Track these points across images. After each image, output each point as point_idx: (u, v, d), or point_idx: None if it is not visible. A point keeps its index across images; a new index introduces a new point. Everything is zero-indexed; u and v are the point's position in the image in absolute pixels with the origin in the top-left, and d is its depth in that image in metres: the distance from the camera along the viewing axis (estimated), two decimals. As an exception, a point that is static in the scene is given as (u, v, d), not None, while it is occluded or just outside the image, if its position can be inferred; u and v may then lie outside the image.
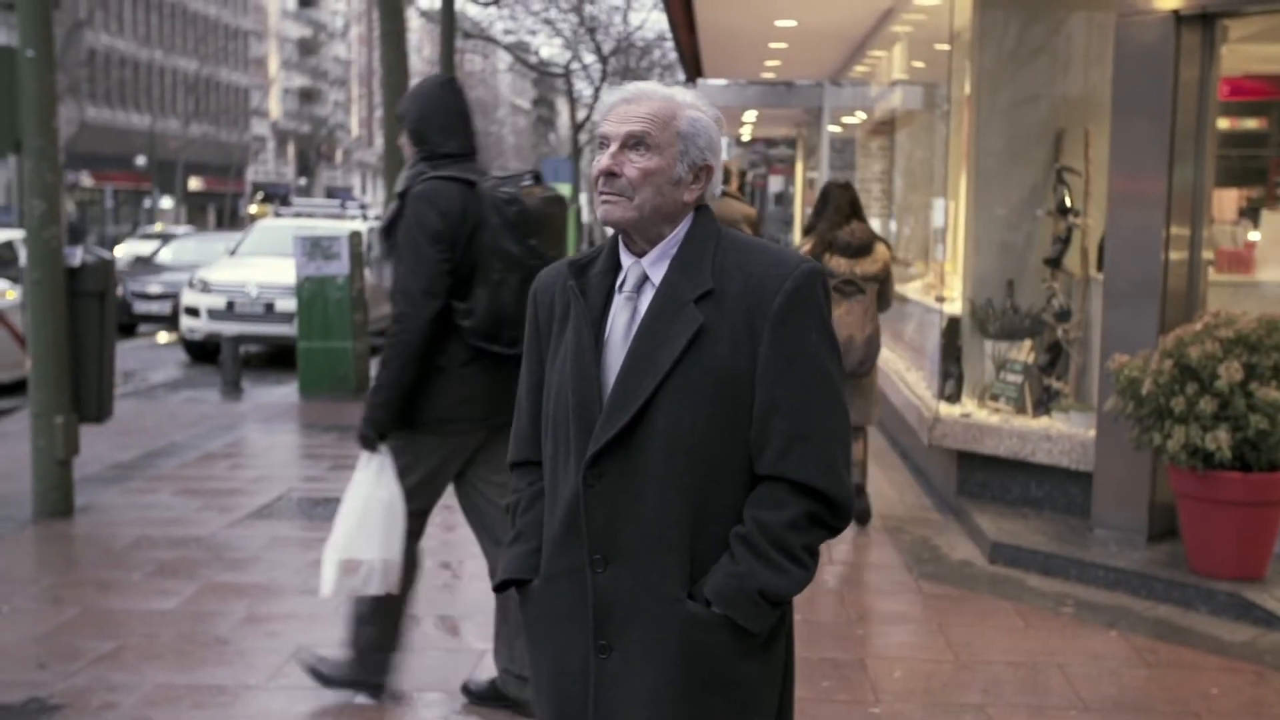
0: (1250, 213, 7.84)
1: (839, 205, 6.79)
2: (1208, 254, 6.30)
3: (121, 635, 4.97)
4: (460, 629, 5.12)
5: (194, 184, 56.97)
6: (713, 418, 2.06)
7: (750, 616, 2.05)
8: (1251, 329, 5.38)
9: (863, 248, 6.73)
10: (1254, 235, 7.07)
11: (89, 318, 7.07)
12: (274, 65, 71.61)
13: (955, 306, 7.89)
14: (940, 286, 8.34)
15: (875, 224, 12.70)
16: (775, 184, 33.12)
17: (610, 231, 2.18)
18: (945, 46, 8.35)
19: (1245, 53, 8.11)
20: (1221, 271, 6.98)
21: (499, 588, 2.27)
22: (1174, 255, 6.09)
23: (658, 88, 2.15)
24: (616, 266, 2.17)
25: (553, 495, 2.17)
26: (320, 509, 7.16)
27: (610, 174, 2.10)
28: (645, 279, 2.14)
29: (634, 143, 2.10)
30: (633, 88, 2.15)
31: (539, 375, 2.23)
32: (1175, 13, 5.93)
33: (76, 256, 7.09)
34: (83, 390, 7.07)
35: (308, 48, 77.64)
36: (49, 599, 5.50)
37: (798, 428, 2.07)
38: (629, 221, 2.11)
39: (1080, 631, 5.19)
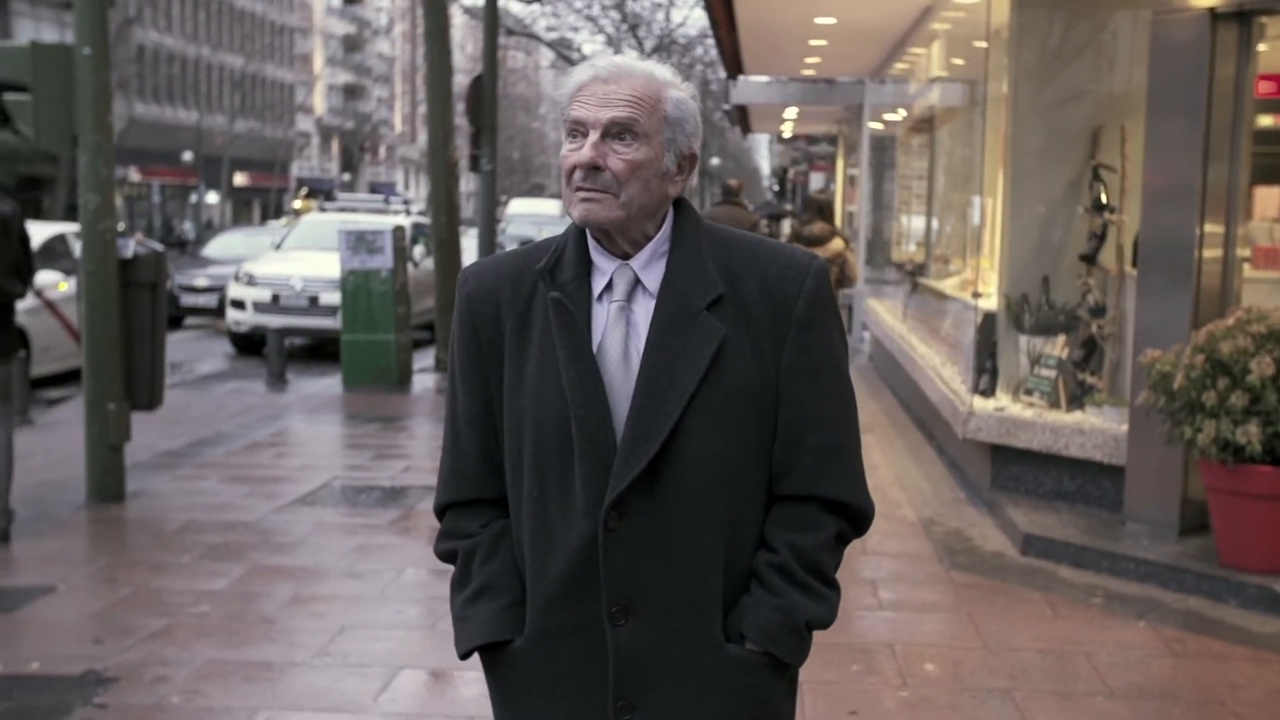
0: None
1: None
2: (1242, 251, 6.33)
3: (173, 613, 5.14)
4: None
5: (239, 179, 57.58)
6: (743, 439, 1.87)
7: (796, 651, 1.89)
8: (1282, 324, 5.42)
9: (820, 240, 8.82)
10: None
11: (141, 308, 7.26)
12: (319, 62, 72.22)
13: (991, 302, 7.95)
14: (976, 282, 8.40)
15: (916, 221, 12.76)
16: (816, 181, 33.09)
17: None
18: (983, 44, 8.40)
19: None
20: (1258, 268, 7.01)
21: (466, 654, 1.96)
22: (1208, 252, 6.14)
23: (634, 63, 1.89)
24: (589, 270, 1.91)
25: (542, 542, 1.89)
26: (364, 496, 7.34)
27: (592, 167, 1.84)
28: (637, 285, 1.90)
29: (618, 131, 1.84)
30: (606, 63, 1.89)
31: (484, 400, 1.94)
32: (1211, 10, 5.97)
33: (129, 249, 7.29)
34: (135, 379, 7.27)
35: (352, 44, 78.23)
36: (103, 579, 5.69)
37: (829, 442, 1.91)
38: (615, 221, 1.86)
39: (1109, 622, 5.26)
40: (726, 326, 1.86)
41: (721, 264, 1.90)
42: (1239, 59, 6.08)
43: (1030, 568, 6.02)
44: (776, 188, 39.56)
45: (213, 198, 54.36)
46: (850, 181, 21.81)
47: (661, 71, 1.89)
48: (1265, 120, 10.06)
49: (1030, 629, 5.15)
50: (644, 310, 1.89)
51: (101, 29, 6.98)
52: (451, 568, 1.99)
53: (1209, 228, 6.11)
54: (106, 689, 4.32)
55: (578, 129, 1.86)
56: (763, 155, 41.58)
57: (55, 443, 8.85)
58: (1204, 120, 6.02)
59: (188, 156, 50.70)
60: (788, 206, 33.42)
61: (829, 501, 1.91)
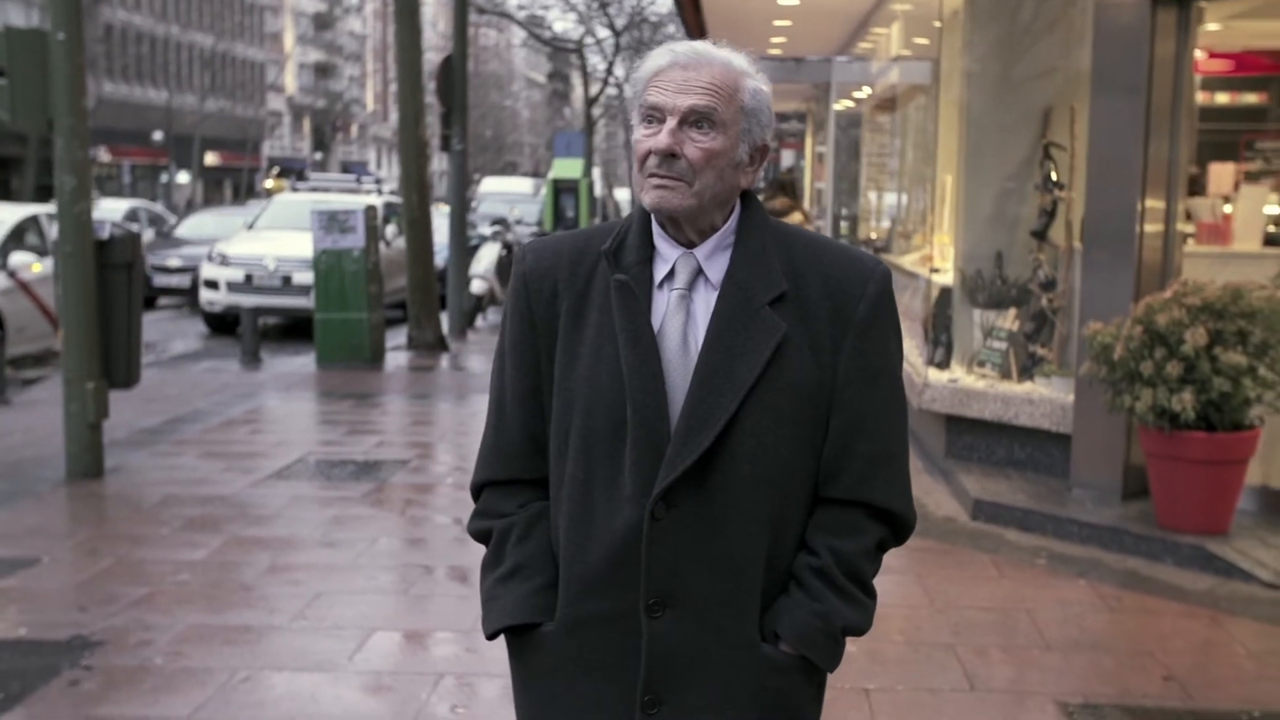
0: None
1: (772, 186, 9.83)
2: (1182, 226, 6.58)
3: (154, 582, 5.34)
4: (469, 577, 5.46)
5: (210, 159, 57.38)
6: (795, 439, 1.85)
7: (830, 656, 1.88)
8: (1217, 296, 5.68)
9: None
10: (1228, 208, 7.35)
11: (118, 288, 7.42)
12: (289, 40, 71.84)
13: (947, 277, 8.20)
14: (934, 258, 8.64)
15: (881, 198, 13.00)
16: (787, 158, 33.28)
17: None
18: (940, 25, 8.62)
19: (1244, 29, 8.37)
20: (1202, 243, 7.28)
21: (494, 634, 1.94)
22: (1149, 227, 6.39)
23: (714, 50, 1.86)
24: (651, 256, 1.90)
25: (583, 526, 1.86)
26: (337, 470, 7.53)
27: (668, 154, 1.82)
28: (699, 274, 1.88)
29: (696, 119, 1.81)
30: (686, 48, 1.86)
31: (534, 378, 1.93)
32: (1150, -5, 6.21)
33: (105, 230, 7.44)
34: (112, 357, 7.43)
35: (323, 22, 77.81)
36: (85, 551, 5.87)
37: (881, 450, 1.89)
38: (687, 210, 1.84)
39: (1051, 581, 5.52)
40: (787, 325, 1.84)
41: (785, 261, 1.88)
42: (1178, 41, 6.32)
43: (980, 531, 6.28)
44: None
45: (184, 177, 54.15)
46: (819, 159, 22.02)
47: (739, 60, 1.86)
48: (1221, 98, 10.39)
49: (976, 588, 5.41)
50: (704, 301, 1.87)
51: (74, 14, 7.12)
52: (481, 547, 1.99)
53: (1150, 203, 6.36)
54: (92, 652, 4.51)
55: (654, 114, 1.83)
56: (768, 131, 41.64)
57: (33, 421, 9.00)
58: (1144, 100, 6.27)
59: (158, 136, 50.50)
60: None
61: (875, 509, 1.89)
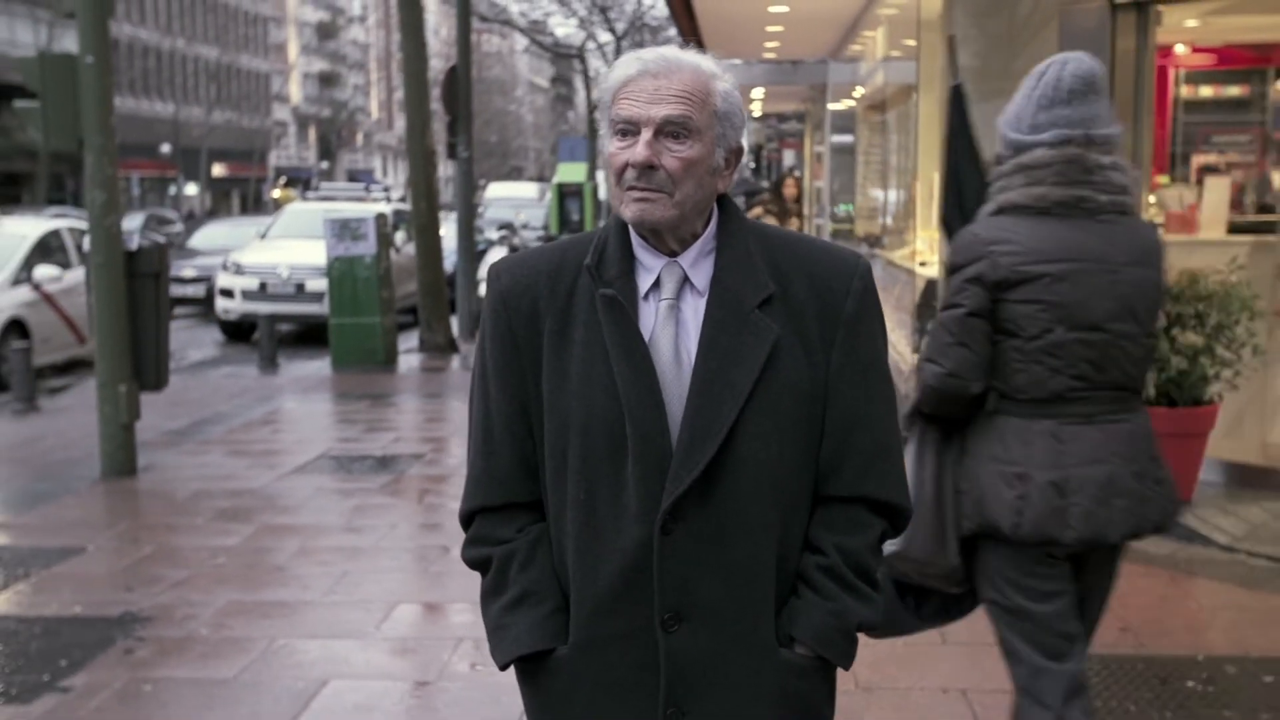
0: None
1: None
2: (1157, 217, 6.98)
3: (193, 565, 5.78)
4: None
5: (217, 170, 57.96)
6: (795, 441, 1.85)
7: (847, 654, 1.89)
8: (1175, 282, 6.07)
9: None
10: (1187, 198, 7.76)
11: (146, 296, 7.86)
12: (293, 50, 72.46)
13: (933, 270, 8.61)
14: (919, 253, 9.06)
15: (875, 196, 13.41)
16: (788, 158, 33.69)
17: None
18: (920, 27, 9.03)
19: (1225, 24, 8.77)
20: (1171, 232, 7.68)
21: (508, 664, 1.91)
22: (1115, 218, 6.79)
23: (682, 55, 1.84)
24: (633, 267, 1.87)
25: (590, 546, 1.84)
26: (356, 464, 7.97)
27: (647, 166, 1.79)
28: (685, 283, 1.87)
29: (672, 129, 1.79)
30: (653, 55, 1.83)
31: (521, 400, 1.89)
32: (1110, 1, 6.63)
33: (134, 241, 7.88)
34: (142, 361, 7.88)
35: (326, 32, 78.43)
36: (126, 539, 6.32)
37: (878, 443, 1.90)
38: (669, 221, 1.82)
39: (1025, 549, 5.92)
40: (778, 326, 1.83)
41: (769, 262, 1.87)
42: (1138, 41, 6.73)
43: (961, 507, 6.68)
44: (753, 164, 40.57)
45: (192, 189, 54.72)
46: (817, 159, 22.44)
47: (707, 63, 1.84)
48: (1205, 91, 10.79)
49: (954, 556, 5.82)
50: (693, 309, 1.85)
51: (104, 39, 7.57)
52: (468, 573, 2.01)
53: (1115, 196, 6.76)
54: (143, 626, 4.96)
55: (628, 127, 1.81)
56: (742, 133, 41.91)
57: (64, 425, 9.46)
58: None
59: (166, 148, 51.04)
60: (764, 184, 34.07)
61: (875, 502, 1.90)
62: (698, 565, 1.81)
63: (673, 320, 1.85)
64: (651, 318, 1.85)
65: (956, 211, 3.06)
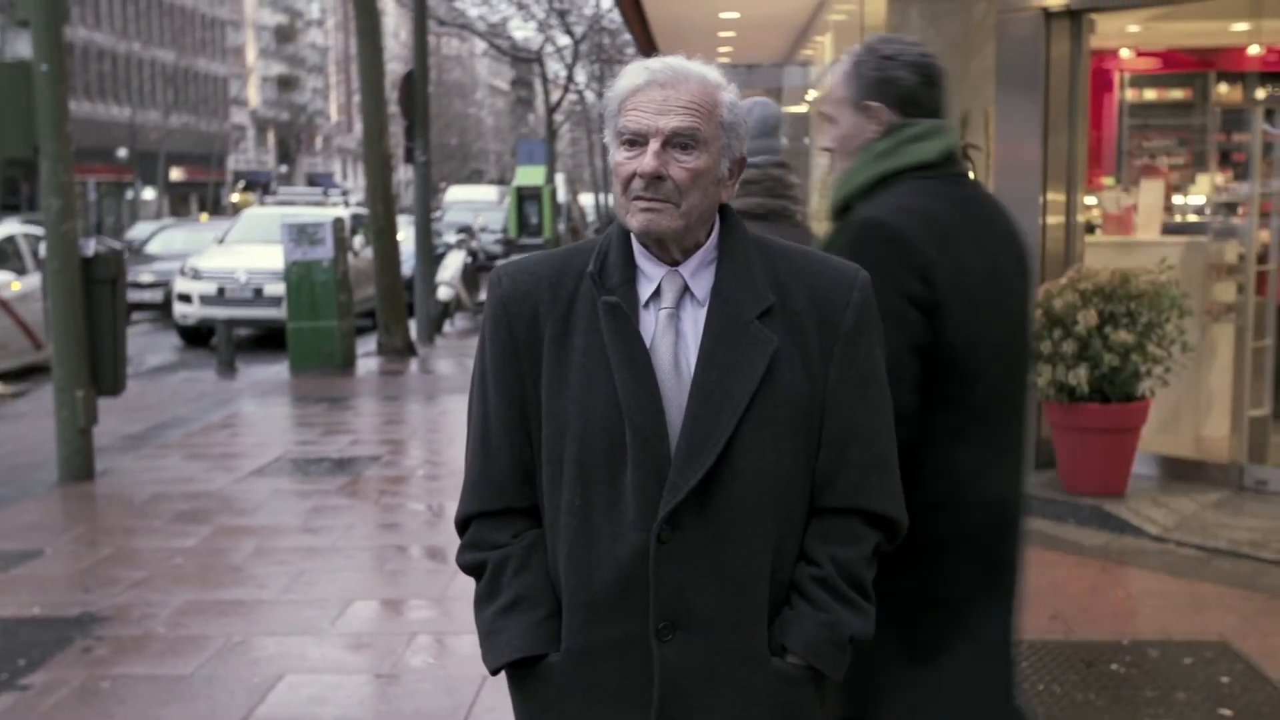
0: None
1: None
2: (1082, 217, 7.21)
3: (151, 566, 5.87)
4: (439, 555, 6.00)
5: (175, 174, 57.63)
6: (792, 452, 1.86)
7: (839, 665, 1.89)
8: (1107, 281, 6.29)
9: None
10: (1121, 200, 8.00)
11: (103, 302, 7.92)
12: (251, 54, 72.11)
13: (880, 271, 8.80)
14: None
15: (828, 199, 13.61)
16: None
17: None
18: (863, 35, 9.23)
19: (1167, 29, 9.02)
20: (1109, 233, 7.92)
21: (499, 669, 1.91)
22: (1051, 219, 7.01)
23: (689, 65, 1.86)
24: (634, 276, 1.89)
25: (585, 554, 1.85)
26: (314, 466, 8.07)
27: (655, 177, 1.81)
28: (685, 292, 1.88)
29: (680, 140, 1.81)
30: (661, 65, 1.85)
31: (520, 404, 1.90)
32: (1045, 10, 6.84)
33: (90, 247, 7.95)
34: (99, 366, 7.94)
35: (284, 35, 78.08)
36: (84, 542, 6.40)
37: (875, 456, 1.91)
38: (675, 231, 1.84)
39: (964, 541, 6.11)
40: (777, 337, 1.85)
41: (769, 273, 1.89)
42: (1072, 48, 6.96)
43: (905, 501, 6.87)
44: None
45: (149, 193, 54.38)
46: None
47: (713, 74, 1.86)
48: (1149, 94, 11.05)
49: (896, 549, 6.00)
50: (692, 318, 1.87)
51: (58, 46, 7.63)
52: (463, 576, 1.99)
53: (1051, 196, 7.00)
54: (101, 625, 5.05)
55: (636, 138, 1.83)
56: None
57: (21, 431, 9.50)
58: (1043, 101, 6.90)
59: (122, 153, 50.71)
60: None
61: (870, 515, 1.91)
62: (693, 574, 1.82)
63: (672, 329, 1.86)
64: (652, 326, 1.87)
65: None
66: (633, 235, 1.89)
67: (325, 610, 5.21)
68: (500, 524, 1.92)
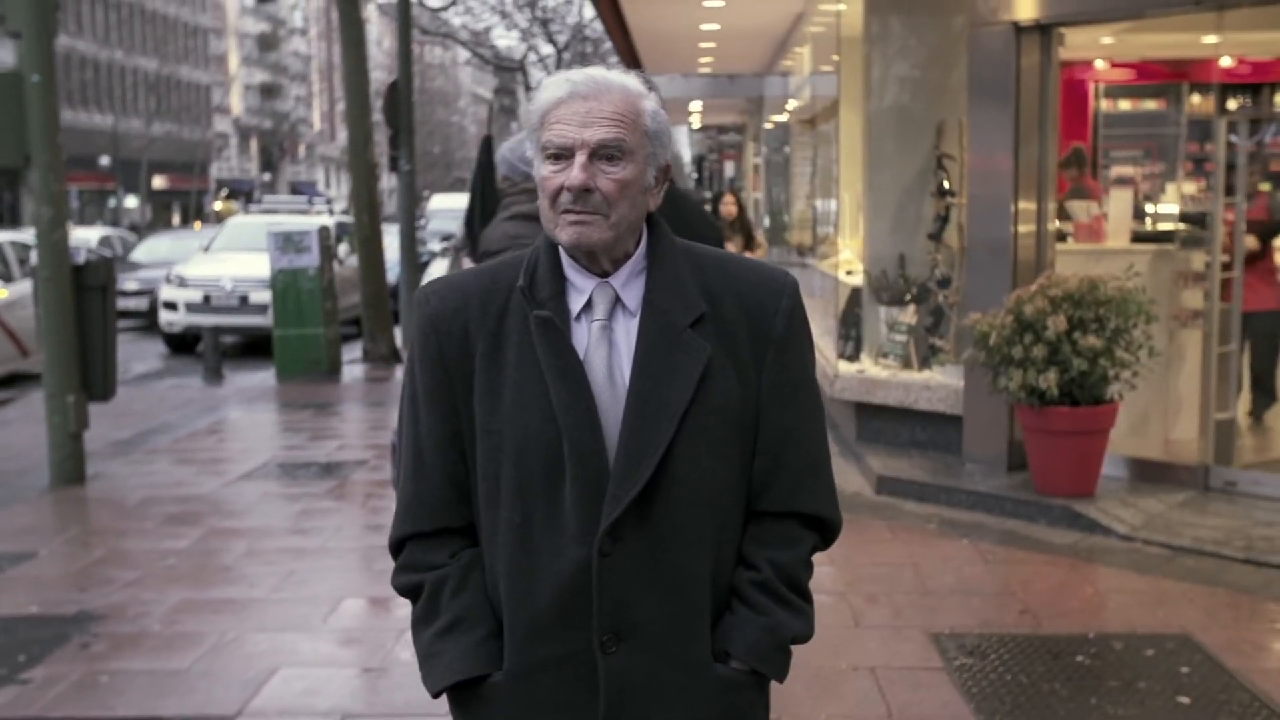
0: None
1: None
2: (1053, 225, 7.39)
3: (144, 567, 6.00)
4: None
5: (158, 182, 57.59)
6: (727, 459, 1.88)
7: (781, 667, 1.92)
8: (1076, 288, 6.48)
9: None
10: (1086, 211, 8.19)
11: (93, 309, 8.04)
12: (234, 62, 72.07)
13: (857, 279, 8.98)
14: (846, 263, 9.43)
15: (806, 207, 13.78)
16: (728, 169, 34.13)
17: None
18: (847, 46, 9.41)
19: (1139, 41, 9.22)
20: (1081, 241, 8.11)
21: (440, 691, 1.90)
22: (1022, 227, 7.20)
23: (610, 76, 1.86)
24: (564, 289, 1.89)
25: (525, 570, 1.85)
26: (302, 470, 8.19)
27: (584, 190, 1.81)
28: (617, 303, 1.88)
29: (605, 152, 1.82)
30: (582, 77, 1.85)
31: (453, 423, 1.89)
32: (1015, 24, 7.03)
33: (81, 255, 8.06)
34: (90, 372, 8.06)
35: (267, 43, 78.04)
36: (78, 544, 6.52)
37: (809, 459, 1.93)
38: (605, 243, 1.84)
39: (938, 541, 6.29)
40: (710, 345, 1.85)
41: (699, 282, 1.89)
42: (1042, 60, 7.14)
43: (881, 504, 7.05)
44: (696, 175, 41.22)
45: (132, 201, 54.32)
46: (755, 170, 22.87)
47: (634, 83, 1.87)
48: (1124, 104, 11.27)
49: (871, 549, 6.17)
50: (625, 329, 1.87)
51: (48, 57, 7.76)
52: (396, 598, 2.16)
53: (1023, 205, 7.18)
54: (98, 623, 5.18)
55: (562, 152, 1.82)
56: (684, 144, 42.50)
57: (10, 438, 9.60)
58: (1013, 112, 7.08)
59: (105, 161, 50.67)
60: (707, 194, 34.50)
61: (807, 517, 1.93)
62: (635, 585, 1.82)
63: (605, 341, 1.86)
64: (584, 339, 1.86)
65: (479, 217, 4.31)
66: (560, 248, 1.89)
67: (316, 607, 5.35)
68: (436, 544, 1.91)
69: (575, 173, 1.80)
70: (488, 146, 4.46)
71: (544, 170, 1.84)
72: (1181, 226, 8.26)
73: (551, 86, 1.85)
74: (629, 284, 1.88)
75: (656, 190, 1.90)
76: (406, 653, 4.79)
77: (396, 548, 1.95)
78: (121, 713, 4.27)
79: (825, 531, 1.97)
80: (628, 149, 1.83)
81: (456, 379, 1.88)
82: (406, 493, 1.93)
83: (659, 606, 1.84)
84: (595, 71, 1.86)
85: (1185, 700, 4.27)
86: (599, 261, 1.87)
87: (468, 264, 4.47)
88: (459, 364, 1.88)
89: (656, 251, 1.90)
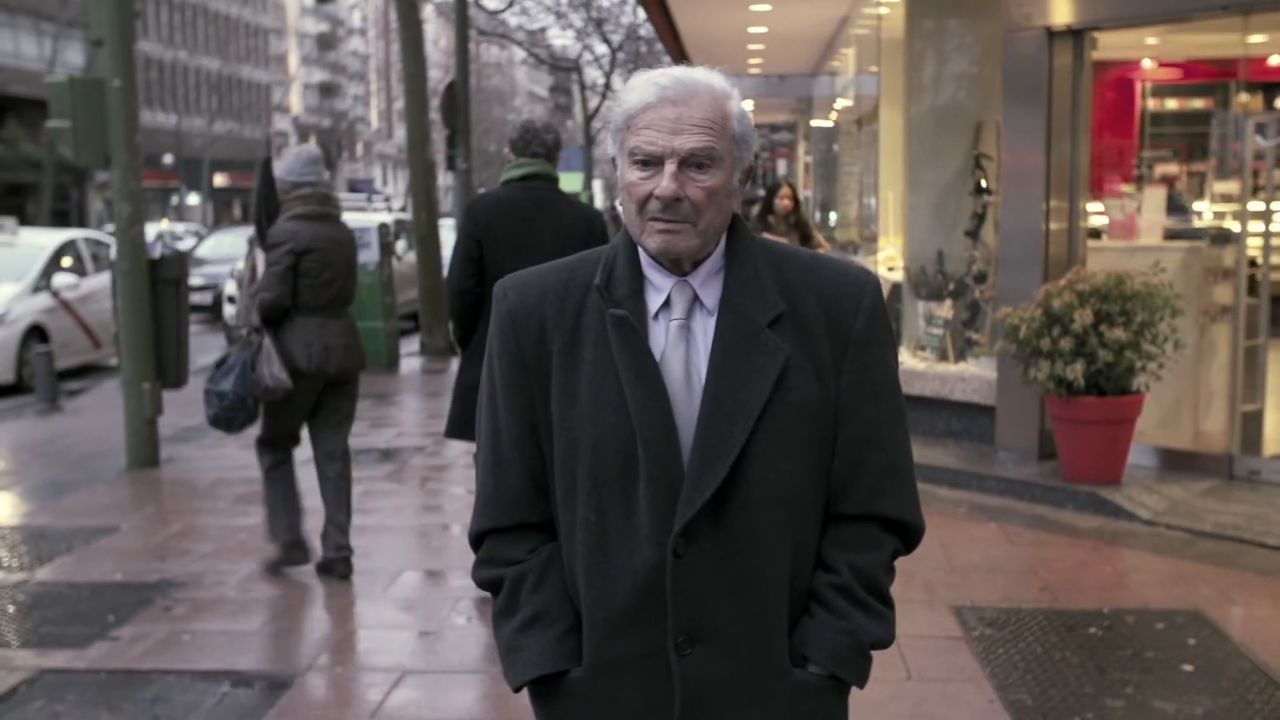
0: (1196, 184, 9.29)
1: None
2: (1084, 222, 7.64)
3: (218, 541, 6.42)
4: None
5: (219, 180, 58.69)
6: (806, 460, 1.85)
7: (861, 672, 1.88)
8: (1103, 282, 6.73)
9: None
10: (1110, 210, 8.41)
11: (168, 301, 8.50)
12: (294, 61, 73.18)
13: (898, 274, 9.27)
14: (888, 259, 9.72)
15: (854, 205, 14.04)
16: (781, 168, 34.35)
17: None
18: (890, 49, 9.69)
19: (1183, 41, 9.41)
20: (1114, 238, 8.34)
21: (522, 686, 1.90)
22: (1054, 225, 7.46)
23: (697, 77, 1.82)
24: (642, 287, 1.86)
25: (601, 569, 1.84)
26: (363, 456, 8.58)
27: (674, 199, 1.78)
28: (695, 302, 1.86)
29: (696, 160, 1.78)
30: (671, 80, 1.80)
31: (530, 420, 1.88)
32: (1047, 28, 7.29)
33: (157, 250, 8.53)
34: (164, 361, 8.51)
35: (326, 43, 79.18)
36: (156, 520, 6.96)
37: (890, 462, 1.89)
38: (693, 250, 1.82)
39: (967, 524, 6.58)
40: (788, 345, 1.82)
41: (778, 280, 1.86)
42: (1074, 63, 7.40)
43: (915, 489, 7.32)
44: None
45: (194, 199, 55.41)
46: (806, 169, 23.11)
47: (720, 83, 1.83)
48: (1171, 104, 11.43)
49: (903, 530, 6.46)
50: (703, 329, 1.84)
51: (129, 63, 8.23)
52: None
53: (1054, 203, 7.44)
54: (178, 589, 5.60)
55: (651, 159, 1.79)
56: (753, 150, 42.52)
57: (86, 424, 10.11)
58: (1045, 113, 7.34)
59: (168, 159, 51.74)
60: (760, 192, 34.78)
61: (888, 520, 1.89)
62: (710, 586, 1.80)
63: (684, 340, 1.83)
64: (662, 337, 1.84)
65: (265, 219, 5.56)
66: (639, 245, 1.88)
67: (378, 578, 5.74)
68: (515, 539, 1.91)
69: (665, 182, 1.78)
70: (267, 166, 5.69)
71: (630, 175, 1.82)
72: (1220, 224, 8.47)
73: (639, 89, 1.82)
74: (708, 283, 1.86)
75: (739, 191, 1.87)
76: (460, 619, 5.17)
77: (476, 542, 1.96)
78: (203, 666, 4.67)
79: (907, 535, 1.93)
80: (717, 156, 1.80)
81: (534, 375, 1.87)
82: (485, 487, 1.93)
83: (734, 609, 1.82)
84: (682, 73, 1.82)
85: (1188, 668, 4.55)
86: (680, 263, 1.85)
87: (260, 256, 5.53)
88: (536, 360, 1.87)
89: (736, 250, 1.88)
